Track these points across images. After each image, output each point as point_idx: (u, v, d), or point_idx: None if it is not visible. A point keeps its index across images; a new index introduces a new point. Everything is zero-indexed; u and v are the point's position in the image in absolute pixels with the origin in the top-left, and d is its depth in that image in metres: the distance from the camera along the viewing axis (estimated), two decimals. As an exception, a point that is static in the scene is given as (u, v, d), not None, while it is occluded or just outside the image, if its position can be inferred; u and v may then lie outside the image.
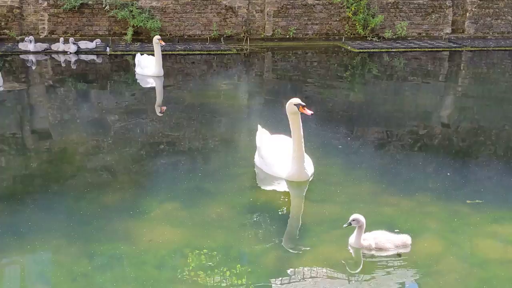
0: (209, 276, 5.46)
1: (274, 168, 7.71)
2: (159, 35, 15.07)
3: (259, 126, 8.47)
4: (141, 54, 14.71)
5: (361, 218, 5.86)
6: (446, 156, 8.98)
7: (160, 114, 11.24)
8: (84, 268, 5.56)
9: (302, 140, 7.43)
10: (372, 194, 7.34)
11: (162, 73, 14.09)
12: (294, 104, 7.37)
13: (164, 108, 11.65)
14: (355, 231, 5.90)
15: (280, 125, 9.63)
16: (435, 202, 7.11)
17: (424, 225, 6.52)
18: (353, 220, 5.86)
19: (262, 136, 8.19)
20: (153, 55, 14.41)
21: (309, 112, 7.30)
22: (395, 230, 6.04)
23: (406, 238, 5.93)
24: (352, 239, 5.93)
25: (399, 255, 5.80)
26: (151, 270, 5.55)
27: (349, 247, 5.93)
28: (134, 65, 14.69)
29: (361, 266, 5.66)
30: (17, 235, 6.15)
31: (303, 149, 7.47)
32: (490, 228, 6.46)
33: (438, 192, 7.42)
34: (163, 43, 14.26)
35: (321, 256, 5.78)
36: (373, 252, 5.84)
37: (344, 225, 5.92)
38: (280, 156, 7.71)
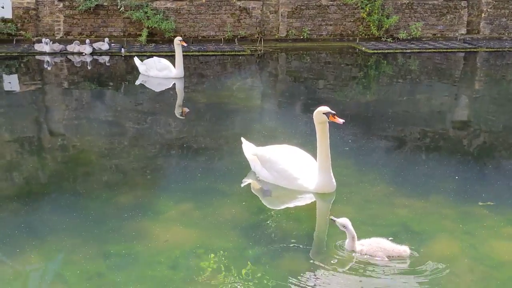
0: (223, 277, 5.48)
1: (298, 181, 7.27)
2: (174, 36, 15.09)
3: (243, 139, 8.11)
4: (140, 59, 14.65)
5: (345, 222, 5.84)
6: (459, 157, 8.92)
7: (181, 117, 11.18)
8: (99, 267, 5.60)
9: (329, 150, 7.09)
10: (385, 195, 7.32)
11: (182, 74, 14.02)
12: (323, 113, 6.95)
13: (186, 110, 11.63)
14: (347, 236, 5.90)
15: (296, 126, 9.67)
16: (449, 203, 7.08)
17: (438, 226, 6.50)
18: (339, 223, 5.86)
19: (263, 148, 7.74)
20: (162, 56, 14.47)
21: (340, 120, 6.91)
22: (389, 238, 5.94)
23: (403, 250, 5.78)
24: (346, 242, 5.93)
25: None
26: (165, 270, 5.58)
27: (345, 251, 5.91)
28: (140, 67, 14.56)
29: (375, 268, 5.64)
30: (33, 235, 6.21)
31: (330, 159, 7.13)
32: (504, 230, 6.42)
33: (451, 193, 7.37)
34: (185, 44, 14.26)
35: (334, 258, 5.77)
36: (366, 258, 5.78)
37: (332, 217, 5.94)
38: (302, 168, 7.33)
